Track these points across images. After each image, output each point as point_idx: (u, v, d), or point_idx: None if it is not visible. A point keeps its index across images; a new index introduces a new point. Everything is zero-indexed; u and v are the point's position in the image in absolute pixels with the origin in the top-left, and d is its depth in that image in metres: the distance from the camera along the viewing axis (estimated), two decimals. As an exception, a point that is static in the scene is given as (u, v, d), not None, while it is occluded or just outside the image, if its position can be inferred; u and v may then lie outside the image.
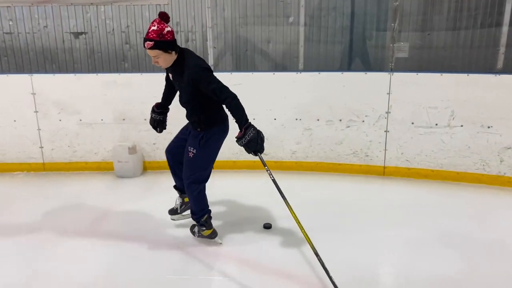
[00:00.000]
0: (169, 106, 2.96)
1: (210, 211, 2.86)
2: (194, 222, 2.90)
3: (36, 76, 4.20)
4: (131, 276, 2.57)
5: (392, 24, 3.95)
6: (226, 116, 2.71)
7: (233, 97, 2.45)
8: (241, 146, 2.45)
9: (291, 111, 4.15)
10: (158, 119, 2.89)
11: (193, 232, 2.93)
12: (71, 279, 2.54)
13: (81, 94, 4.21)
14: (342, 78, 4.02)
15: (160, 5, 4.20)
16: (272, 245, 2.88)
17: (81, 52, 4.46)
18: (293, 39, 4.29)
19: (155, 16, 4.25)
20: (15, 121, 4.26)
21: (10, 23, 4.39)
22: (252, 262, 2.69)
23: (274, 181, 2.53)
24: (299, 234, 2.63)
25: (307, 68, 4.23)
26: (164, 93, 2.94)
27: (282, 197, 2.53)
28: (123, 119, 4.27)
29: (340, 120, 4.09)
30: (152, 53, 2.44)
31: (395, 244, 2.89)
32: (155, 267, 2.65)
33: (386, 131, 4.02)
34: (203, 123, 2.65)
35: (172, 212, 3.10)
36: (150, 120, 2.93)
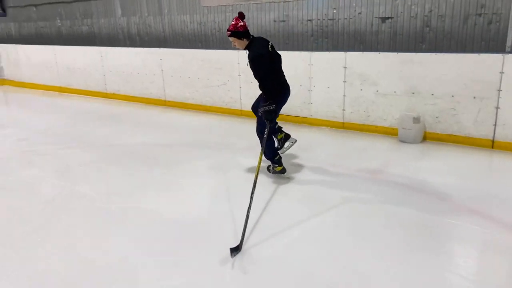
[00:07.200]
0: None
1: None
2: (269, 163, 3.98)
3: (349, 54, 5.37)
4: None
5: None
6: (280, 88, 3.68)
7: (269, 88, 3.50)
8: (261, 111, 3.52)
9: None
10: None
11: (268, 170, 4.04)
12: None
13: (381, 69, 5.12)
14: None
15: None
16: None
17: (385, 34, 5.34)
18: None
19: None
20: (328, 87, 5.61)
21: (334, 11, 5.69)
22: None
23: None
24: None
25: None
26: None
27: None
28: (412, 93, 4.94)
29: None
30: (230, 39, 3.55)
31: None
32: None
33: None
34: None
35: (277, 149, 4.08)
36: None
